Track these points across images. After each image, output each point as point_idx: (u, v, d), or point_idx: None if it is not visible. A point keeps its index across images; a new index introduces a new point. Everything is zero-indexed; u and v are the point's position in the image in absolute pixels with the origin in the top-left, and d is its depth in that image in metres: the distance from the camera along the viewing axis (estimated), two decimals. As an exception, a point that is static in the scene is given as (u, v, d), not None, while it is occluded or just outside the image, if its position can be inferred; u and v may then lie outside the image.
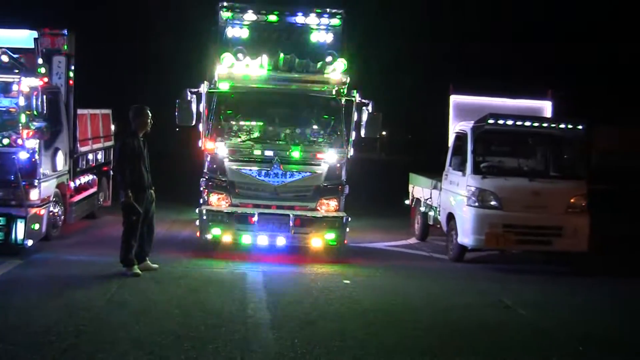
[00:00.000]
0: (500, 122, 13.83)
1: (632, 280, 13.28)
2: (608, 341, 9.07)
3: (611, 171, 36.96)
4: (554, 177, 14.15)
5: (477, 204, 13.51)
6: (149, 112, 11.70)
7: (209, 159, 13.38)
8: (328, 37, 14.12)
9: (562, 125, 14.19)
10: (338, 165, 13.42)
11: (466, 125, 14.50)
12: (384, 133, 63.93)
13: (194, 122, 13.15)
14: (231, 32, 13.93)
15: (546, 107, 16.45)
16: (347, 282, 11.71)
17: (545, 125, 14.36)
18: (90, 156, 16.57)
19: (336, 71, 13.27)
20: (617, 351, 8.66)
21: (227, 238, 13.06)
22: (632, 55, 42.02)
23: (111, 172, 17.49)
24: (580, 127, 14.09)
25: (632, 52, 42.08)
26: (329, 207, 13.30)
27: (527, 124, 14.09)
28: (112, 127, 18.60)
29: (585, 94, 39.37)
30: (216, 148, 13.21)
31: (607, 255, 15.17)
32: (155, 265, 11.80)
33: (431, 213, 15.89)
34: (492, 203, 13.48)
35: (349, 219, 13.21)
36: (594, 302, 11.34)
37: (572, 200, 13.66)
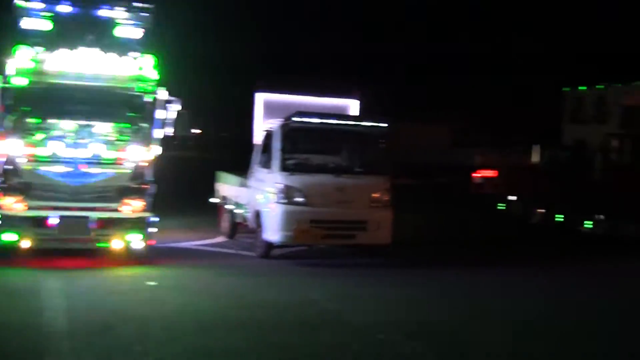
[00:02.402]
0: (307, 119, 14.03)
1: (431, 271, 13.79)
2: (408, 328, 9.31)
3: (414, 166, 38.60)
4: (358, 173, 14.47)
5: (284, 200, 13.59)
6: None
7: (3, 159, 12.63)
8: (136, 33, 13.62)
9: (366, 123, 14.57)
10: (144, 164, 13.04)
11: (274, 123, 14.56)
12: (198, 131, 63.39)
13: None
14: (29, 23, 13.13)
15: (353, 105, 16.84)
16: (152, 283, 11.45)
17: (350, 122, 14.68)
18: None
19: (144, 67, 12.92)
20: (417, 338, 8.87)
21: (25, 243, 12.32)
22: (435, 55, 43.93)
23: None
24: (383, 124, 14.50)
25: (436, 52, 44.01)
26: (133, 207, 12.89)
27: (333, 121, 14.35)
28: None
29: (390, 92, 40.81)
30: (11, 147, 12.47)
31: (410, 246, 15.69)
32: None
33: (239, 211, 15.86)
34: (299, 199, 13.61)
35: (156, 219, 12.90)
36: (397, 293, 11.62)
37: (375, 195, 14.02)
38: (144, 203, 12.97)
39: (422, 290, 12.00)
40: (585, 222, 19.08)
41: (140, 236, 12.63)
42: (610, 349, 8.91)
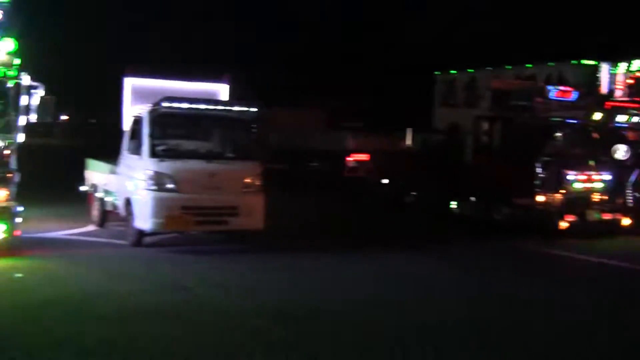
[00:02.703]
0: (176, 105, 13.91)
1: (303, 256, 13.86)
2: (281, 313, 9.42)
3: (287, 151, 38.85)
4: (229, 158, 14.46)
5: (154, 187, 13.42)
6: None
7: None
8: (-6, 15, 13.13)
9: (237, 108, 14.56)
10: (6, 152, 12.60)
11: (142, 109, 14.36)
12: (66, 117, 61.69)
13: None
14: None
15: (223, 90, 16.76)
16: (20, 275, 11.12)
17: (220, 107, 14.62)
18: None
19: (3, 52, 12.46)
20: (290, 323, 8.98)
21: None
22: (309, 38, 44.24)
23: None
24: (254, 109, 14.53)
25: (309, 36, 44.33)
26: (-4, 197, 12.47)
27: (203, 106, 14.27)
28: None
29: (263, 77, 40.84)
30: None
31: (282, 232, 15.83)
32: None
33: (109, 198, 15.56)
34: (169, 186, 13.46)
35: (21, 208, 12.48)
36: (269, 278, 11.73)
37: (247, 181, 14.02)
38: (8, 192, 12.50)
39: (294, 275, 12.10)
40: (457, 204, 19.47)
41: (5, 227, 12.21)
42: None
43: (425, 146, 23.14)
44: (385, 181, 23.14)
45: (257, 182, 14.20)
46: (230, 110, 14.62)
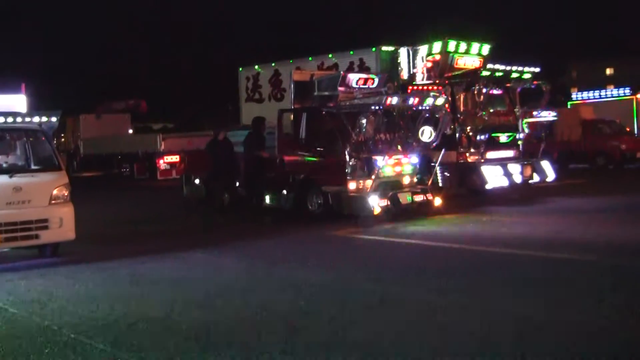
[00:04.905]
0: None
1: (119, 264, 13.62)
2: (98, 325, 9.32)
3: (97, 157, 38.16)
4: (34, 170, 14.11)
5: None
6: None
7: None
8: None
9: (37, 119, 14.24)
10: None
11: None
12: None
13: None
14: None
15: (20, 102, 16.26)
16: None
17: (18, 120, 14.15)
18: None
19: None
20: (106, 333, 8.98)
21: None
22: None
23: None
24: (54, 118, 14.29)
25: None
26: None
27: (1, 120, 13.84)
28: None
29: (58, 88, 39.85)
30: None
31: (96, 241, 15.67)
32: None
33: None
34: None
35: None
36: (83, 291, 11.43)
37: (54, 192, 13.77)
38: None
39: (107, 285, 11.86)
40: (270, 198, 19.64)
41: None
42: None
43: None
44: (197, 181, 23.05)
45: (65, 192, 13.96)
46: (30, 121, 14.25)
